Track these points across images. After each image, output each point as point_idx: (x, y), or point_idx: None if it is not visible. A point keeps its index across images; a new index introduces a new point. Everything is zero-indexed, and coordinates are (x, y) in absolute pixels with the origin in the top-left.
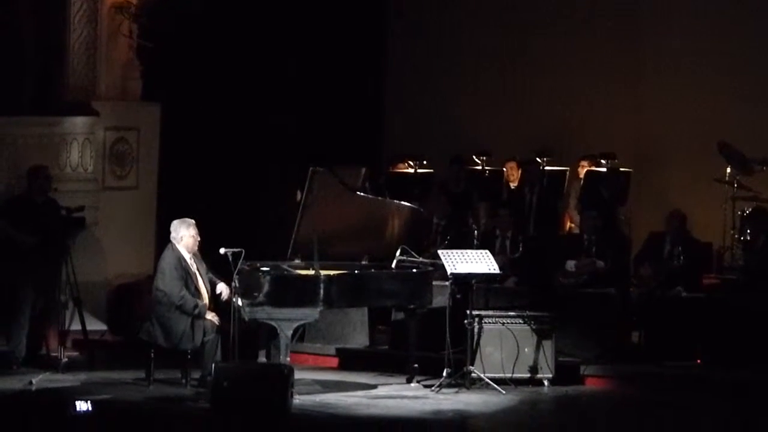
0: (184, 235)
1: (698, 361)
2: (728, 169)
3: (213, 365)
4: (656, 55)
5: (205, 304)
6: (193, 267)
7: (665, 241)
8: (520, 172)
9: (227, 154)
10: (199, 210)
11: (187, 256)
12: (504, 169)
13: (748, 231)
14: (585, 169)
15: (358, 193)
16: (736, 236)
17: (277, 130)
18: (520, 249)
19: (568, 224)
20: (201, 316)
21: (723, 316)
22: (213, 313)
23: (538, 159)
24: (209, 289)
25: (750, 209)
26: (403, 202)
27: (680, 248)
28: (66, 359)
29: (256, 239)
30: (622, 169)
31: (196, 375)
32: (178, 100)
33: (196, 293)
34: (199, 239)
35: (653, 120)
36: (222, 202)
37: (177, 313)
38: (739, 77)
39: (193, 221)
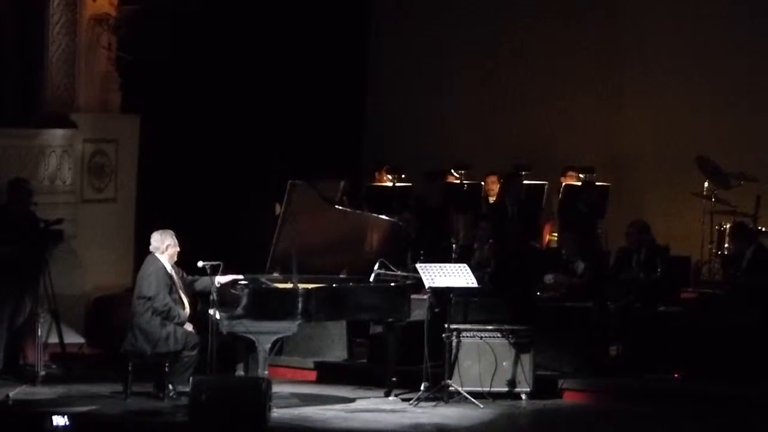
0: (169, 245)
1: (675, 375)
2: (706, 184)
3: (191, 379)
4: (636, 70)
5: (187, 314)
6: (175, 277)
7: (633, 254)
8: (499, 185)
9: (206, 166)
10: (178, 222)
11: (169, 267)
12: (482, 182)
13: (726, 245)
14: (565, 183)
15: (337, 206)
16: (714, 250)
17: (256, 144)
18: (497, 262)
19: (547, 237)
20: (182, 325)
21: (701, 330)
22: (191, 325)
23: (516, 172)
24: (189, 301)
25: (729, 224)
26: (381, 216)
27: (645, 257)
28: (43, 372)
29: (235, 252)
30: (600, 183)
31: (176, 387)
32: (158, 111)
33: (179, 303)
34: (179, 250)
35: (632, 134)
36: (201, 214)
37: (158, 320)
38: (717, 93)
39: (172, 232)
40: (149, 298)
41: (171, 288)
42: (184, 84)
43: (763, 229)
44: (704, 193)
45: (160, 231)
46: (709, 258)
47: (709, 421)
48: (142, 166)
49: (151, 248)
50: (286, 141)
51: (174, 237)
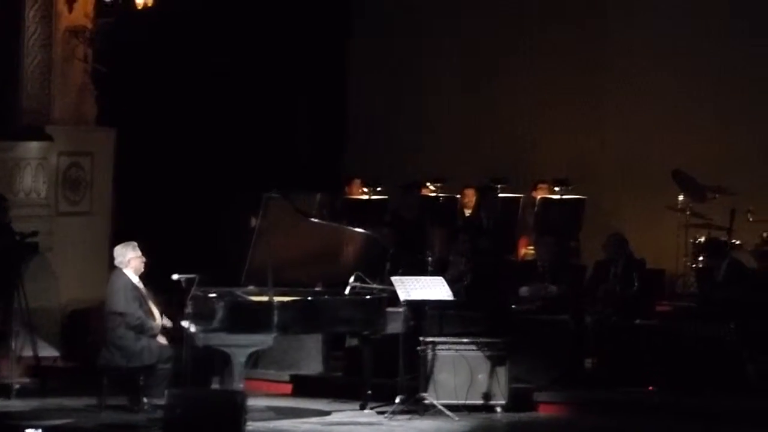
0: (132, 258)
1: (651, 387)
2: (681, 197)
3: (166, 392)
4: (614, 84)
5: (159, 324)
6: (143, 289)
7: (610, 267)
8: (476, 198)
9: (183, 179)
10: (154, 235)
11: (135, 279)
12: (458, 195)
13: (701, 259)
14: (540, 196)
15: (312, 219)
16: (689, 264)
17: (233, 156)
18: (472, 275)
19: (523, 250)
20: (155, 336)
21: (676, 344)
22: (164, 338)
23: (492, 185)
24: (160, 310)
25: (704, 237)
26: (357, 228)
27: (622, 270)
28: (18, 385)
29: (211, 265)
30: (576, 196)
31: (150, 401)
32: (134, 124)
33: (150, 315)
34: (144, 260)
35: (608, 148)
36: (177, 227)
37: (132, 333)
38: (694, 107)
39: (135, 243)
40: (121, 314)
41: (140, 301)
42: (161, 96)
43: (738, 243)
44: (679, 206)
45: (122, 244)
46: (684, 271)
47: None
48: (119, 178)
49: (116, 263)
50: (264, 153)
51: (136, 249)
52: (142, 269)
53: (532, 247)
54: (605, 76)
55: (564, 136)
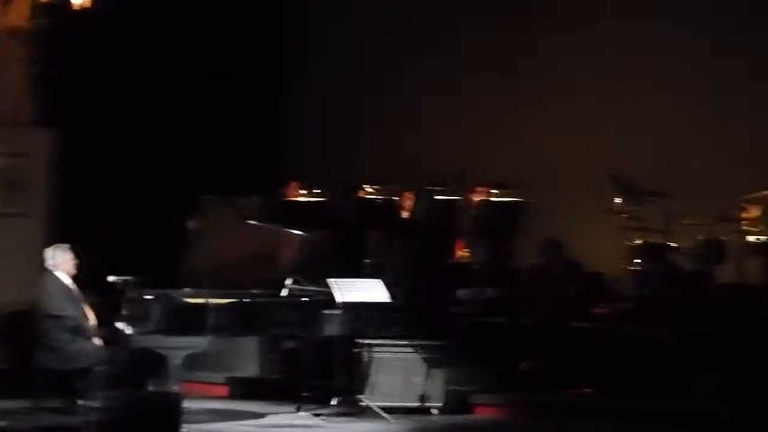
0: (64, 260)
1: (588, 389)
2: (618, 200)
3: (101, 394)
4: (552, 88)
5: (94, 324)
6: (76, 290)
7: (546, 270)
8: (413, 201)
9: (124, 181)
10: (92, 238)
11: (68, 281)
12: (396, 198)
13: (638, 261)
14: (478, 199)
15: (249, 221)
16: (626, 267)
17: (172, 158)
18: (410, 278)
19: (460, 253)
20: (91, 338)
21: (613, 345)
22: (99, 339)
23: (430, 188)
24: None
25: (641, 240)
26: (294, 231)
27: (558, 273)
28: None
29: (148, 267)
30: (514, 199)
31: (85, 403)
32: (72, 125)
33: (84, 316)
34: (76, 262)
35: (546, 151)
36: (114, 230)
37: (67, 336)
38: (631, 110)
39: (68, 245)
40: (58, 317)
41: (75, 302)
42: (108, 97)
43: (674, 245)
44: (616, 209)
45: (53, 246)
46: (622, 274)
47: None
48: (58, 180)
49: (47, 265)
50: (202, 155)
51: (68, 251)
52: (74, 271)
53: (468, 250)
54: (545, 81)
55: (504, 139)
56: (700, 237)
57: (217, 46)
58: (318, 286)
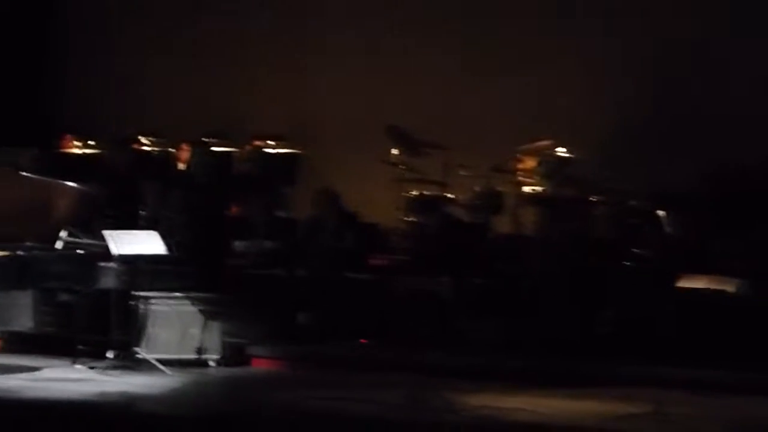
0: None
1: (363, 340)
2: (394, 151)
3: None
4: (326, 38)
5: None
6: None
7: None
8: (189, 153)
9: None
10: None
11: None
12: (173, 150)
13: (414, 213)
14: (254, 151)
15: (22, 173)
16: (403, 218)
17: None
18: (186, 230)
19: (237, 205)
20: None
21: (388, 297)
22: None
23: (207, 140)
24: None
25: (417, 192)
26: (69, 183)
27: (333, 224)
28: None
29: None
30: (289, 150)
31: None
32: None
33: None
34: None
35: (321, 101)
36: None
37: None
38: (410, 62)
39: None
40: None
41: None
42: None
43: (451, 197)
44: (393, 160)
45: None
46: (397, 226)
47: (395, 387)
48: None
49: None
50: None
51: None
52: None
53: (244, 202)
54: (317, 33)
55: (282, 91)
56: (477, 188)
57: None
58: (93, 239)
